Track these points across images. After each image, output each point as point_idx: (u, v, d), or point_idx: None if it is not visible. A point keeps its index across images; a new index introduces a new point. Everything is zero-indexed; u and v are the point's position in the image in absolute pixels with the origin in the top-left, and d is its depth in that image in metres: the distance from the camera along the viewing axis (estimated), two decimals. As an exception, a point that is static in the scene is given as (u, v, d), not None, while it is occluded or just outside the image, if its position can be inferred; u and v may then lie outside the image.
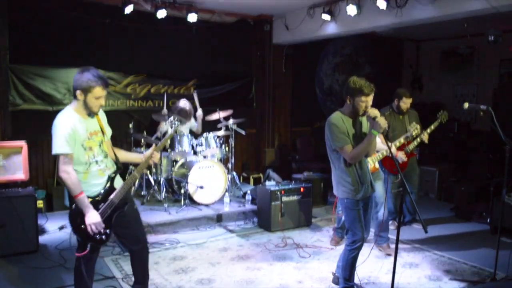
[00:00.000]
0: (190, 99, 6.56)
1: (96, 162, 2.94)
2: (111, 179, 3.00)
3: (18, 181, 4.70)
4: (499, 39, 6.38)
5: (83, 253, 2.88)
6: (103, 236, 2.92)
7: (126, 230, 3.12)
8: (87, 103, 2.86)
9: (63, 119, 2.83)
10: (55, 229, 5.17)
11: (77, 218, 2.85)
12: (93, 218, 2.82)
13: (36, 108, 5.96)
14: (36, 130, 5.98)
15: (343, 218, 4.73)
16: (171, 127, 6.30)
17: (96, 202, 2.89)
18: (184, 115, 6.14)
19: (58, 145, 2.76)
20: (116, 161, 3.11)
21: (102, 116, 3.08)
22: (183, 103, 6.27)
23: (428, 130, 4.96)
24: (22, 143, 4.72)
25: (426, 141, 4.97)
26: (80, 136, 2.84)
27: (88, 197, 2.87)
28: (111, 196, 2.95)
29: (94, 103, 2.87)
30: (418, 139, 5.04)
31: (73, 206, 2.86)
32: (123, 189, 2.99)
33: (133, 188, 6.14)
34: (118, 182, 3.05)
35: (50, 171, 6.18)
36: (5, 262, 4.20)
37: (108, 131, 3.12)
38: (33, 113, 5.95)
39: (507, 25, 6.66)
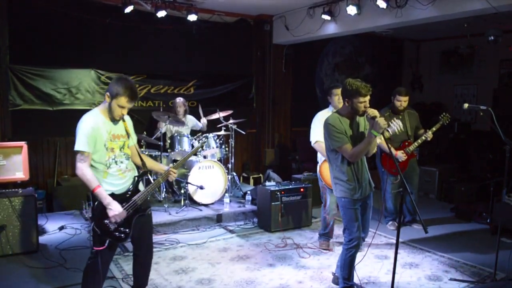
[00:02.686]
0: (189, 99, 6.61)
1: (116, 162, 3.02)
2: (136, 181, 3.09)
3: (18, 181, 4.69)
4: (499, 39, 6.37)
5: (101, 248, 2.92)
6: (122, 234, 2.97)
7: (138, 233, 3.14)
8: (111, 107, 2.95)
9: (87, 118, 2.92)
10: (55, 229, 5.17)
11: (100, 213, 2.90)
12: (115, 209, 2.88)
13: (36, 108, 5.96)
14: (36, 130, 6.00)
15: (330, 223, 4.74)
16: (169, 126, 6.37)
17: (119, 201, 2.94)
18: (179, 112, 6.25)
19: (78, 143, 2.86)
20: (142, 166, 3.19)
21: (129, 122, 3.18)
22: (178, 100, 6.36)
23: (430, 132, 4.96)
24: (22, 143, 4.72)
25: (429, 139, 4.97)
26: (102, 137, 2.93)
27: (113, 194, 2.95)
28: (135, 197, 3.02)
29: (117, 110, 2.95)
30: (419, 140, 5.05)
31: (96, 202, 2.91)
32: (147, 192, 3.08)
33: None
34: (141, 186, 3.14)
35: (50, 171, 6.18)
36: (5, 262, 4.20)
37: (134, 138, 3.21)
38: (33, 113, 5.95)
39: (507, 25, 6.66)
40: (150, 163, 3.33)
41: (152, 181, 3.20)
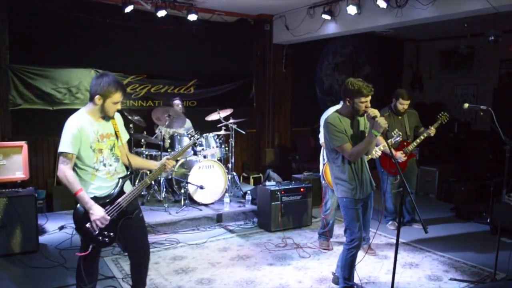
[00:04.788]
0: (189, 99, 6.63)
1: (104, 165, 2.93)
2: (121, 183, 2.99)
3: (18, 181, 4.69)
4: (499, 39, 6.38)
5: (84, 254, 2.86)
6: (106, 239, 2.87)
7: (129, 236, 3.08)
8: (105, 107, 2.87)
9: (72, 119, 2.85)
10: (55, 229, 5.17)
11: (80, 217, 2.82)
12: (97, 213, 2.78)
13: (36, 108, 5.96)
14: (36, 130, 6.00)
15: (330, 222, 4.74)
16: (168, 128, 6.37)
17: (103, 204, 2.86)
18: (177, 114, 6.24)
19: (62, 144, 2.79)
20: (129, 166, 3.12)
21: (118, 120, 3.08)
22: (176, 103, 6.42)
23: (433, 128, 4.95)
24: (22, 143, 4.72)
25: (433, 134, 4.95)
26: (88, 138, 2.84)
27: (96, 197, 2.87)
28: (119, 200, 2.92)
29: (112, 108, 2.89)
30: (418, 140, 5.05)
31: (78, 205, 2.83)
32: (133, 194, 2.96)
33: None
34: (128, 187, 3.03)
35: (50, 171, 6.18)
36: (5, 262, 4.20)
37: (124, 136, 3.12)
38: (33, 113, 5.95)
39: (507, 25, 6.66)
40: (139, 162, 3.26)
41: (140, 182, 3.11)
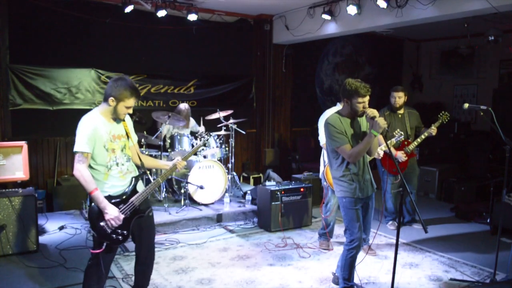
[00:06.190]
0: (189, 99, 6.64)
1: (117, 164, 3.00)
2: (134, 182, 3.06)
3: (18, 180, 4.70)
4: (499, 39, 6.37)
5: (98, 251, 2.91)
6: (120, 237, 2.94)
7: (137, 234, 3.15)
8: (117, 110, 2.94)
9: (86, 119, 2.91)
10: (55, 229, 5.17)
11: (96, 215, 2.87)
12: (111, 212, 2.85)
13: (36, 108, 5.96)
14: (36, 130, 6.00)
15: (331, 223, 4.74)
16: (170, 128, 6.38)
17: (116, 203, 2.92)
18: (182, 116, 6.24)
19: (77, 143, 2.84)
20: (141, 166, 3.19)
21: (128, 122, 3.17)
22: (183, 106, 6.45)
23: (434, 126, 4.94)
24: (22, 143, 4.72)
25: (434, 134, 4.93)
26: (102, 138, 2.90)
27: (110, 196, 2.92)
28: (132, 198, 3.00)
29: (123, 111, 2.96)
30: (419, 139, 5.05)
31: (92, 204, 2.89)
32: (146, 193, 3.05)
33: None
34: (141, 187, 3.11)
35: (50, 171, 6.18)
36: (5, 262, 4.20)
37: (134, 138, 3.20)
38: (33, 113, 5.95)
39: (507, 25, 6.66)
40: (150, 162, 3.35)
41: (152, 181, 3.18)
